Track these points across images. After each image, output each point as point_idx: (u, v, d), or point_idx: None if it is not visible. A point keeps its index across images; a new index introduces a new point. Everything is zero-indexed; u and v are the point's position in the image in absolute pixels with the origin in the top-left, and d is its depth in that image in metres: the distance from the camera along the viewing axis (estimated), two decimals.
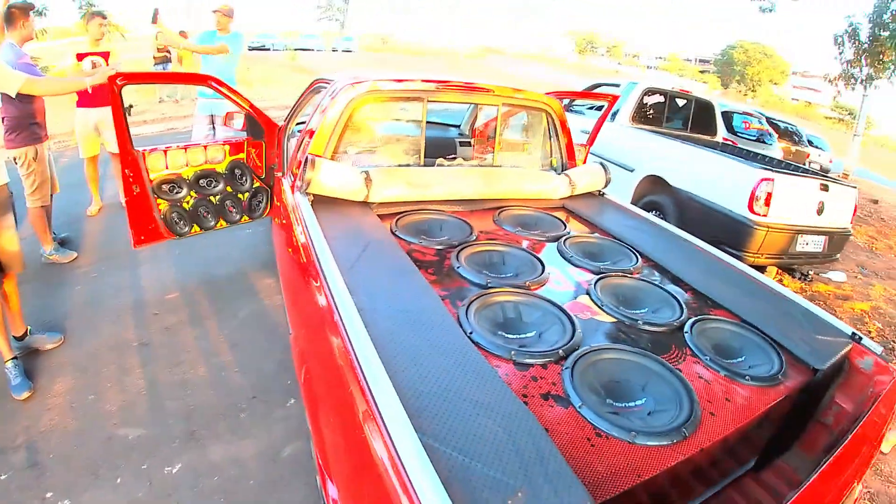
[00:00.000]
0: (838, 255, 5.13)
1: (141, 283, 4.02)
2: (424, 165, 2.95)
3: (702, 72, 63.47)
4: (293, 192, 2.61)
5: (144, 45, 15.59)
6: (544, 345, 1.63)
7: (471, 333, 1.58)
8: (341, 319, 1.47)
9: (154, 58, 13.15)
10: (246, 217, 3.82)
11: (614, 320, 1.84)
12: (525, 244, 2.42)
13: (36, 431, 2.57)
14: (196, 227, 3.59)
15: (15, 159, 3.93)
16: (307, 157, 2.45)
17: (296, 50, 29.40)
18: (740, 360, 1.78)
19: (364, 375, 1.25)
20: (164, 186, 3.40)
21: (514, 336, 1.70)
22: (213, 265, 4.37)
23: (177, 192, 3.47)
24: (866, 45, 15.20)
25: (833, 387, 1.85)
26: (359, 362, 1.29)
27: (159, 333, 3.38)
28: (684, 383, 1.48)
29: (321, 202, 2.47)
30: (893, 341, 4.90)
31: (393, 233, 2.31)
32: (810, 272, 5.76)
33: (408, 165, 2.92)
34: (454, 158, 3.15)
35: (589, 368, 1.51)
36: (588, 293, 1.99)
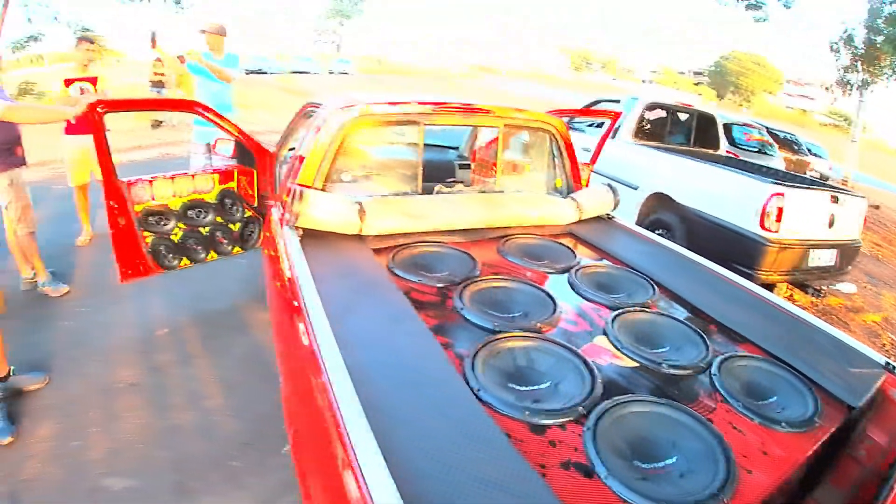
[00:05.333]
0: (849, 268, 5.01)
1: (131, 318, 3.86)
2: (422, 193, 2.80)
3: (696, 84, 63.82)
4: (282, 225, 2.45)
5: (141, 69, 15.60)
6: (561, 399, 1.45)
7: (478, 391, 1.41)
8: (329, 382, 1.30)
9: (150, 81, 13.11)
10: (238, 248, 3.69)
11: (636, 364, 1.67)
12: (533, 277, 2.24)
13: (18, 479, 2.41)
14: (186, 261, 3.46)
15: None
16: (295, 189, 2.30)
17: (291, 73, 29.35)
18: (771, 401, 1.63)
19: (356, 456, 1.08)
20: (150, 218, 3.27)
21: (527, 389, 1.52)
22: (205, 299, 4.21)
23: (164, 224, 3.34)
24: (862, 50, 15.27)
25: (865, 420, 1.70)
26: (350, 439, 1.12)
27: (149, 374, 3.21)
28: (718, 438, 1.32)
29: (311, 236, 2.31)
30: None
31: (389, 269, 2.14)
32: (823, 287, 5.61)
33: (404, 194, 2.76)
34: (453, 184, 3.00)
35: (613, 426, 1.34)
36: (605, 333, 1.81)
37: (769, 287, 4.82)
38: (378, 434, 1.13)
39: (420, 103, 2.75)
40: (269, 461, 2.58)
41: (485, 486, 1.08)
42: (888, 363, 1.80)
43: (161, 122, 12.38)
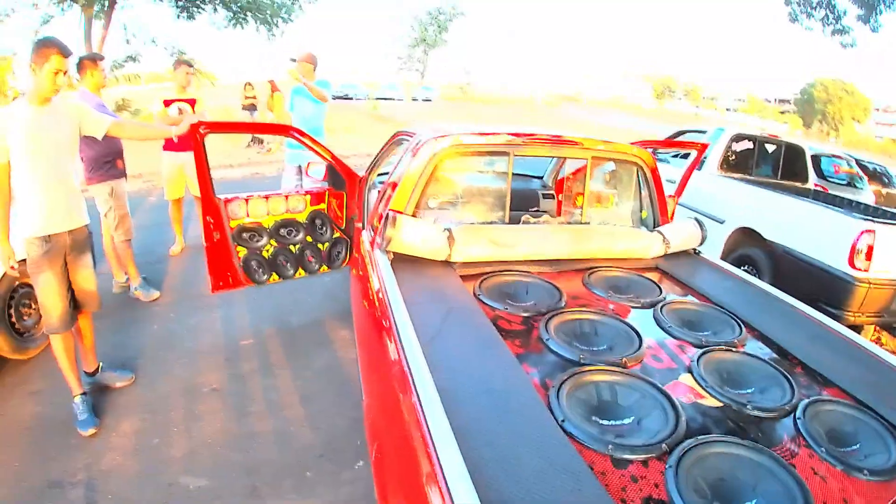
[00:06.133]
0: None
1: (217, 326, 4.05)
2: (509, 222, 2.82)
3: (782, 112, 61.55)
4: (373, 248, 2.53)
5: (231, 93, 16.42)
6: (644, 435, 1.45)
7: (563, 422, 1.42)
8: (420, 403, 1.33)
9: (242, 105, 13.83)
10: (325, 267, 3.81)
11: (720, 404, 1.63)
12: (618, 311, 2.23)
13: (97, 470, 2.57)
14: (275, 276, 3.60)
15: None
16: (388, 214, 2.37)
17: (377, 99, 30.15)
18: (854, 447, 1.58)
19: (444, 476, 1.11)
20: (244, 234, 3.43)
21: (610, 423, 1.52)
22: (289, 313, 4.36)
23: (257, 241, 3.49)
24: None
25: None
26: (438, 458, 1.15)
27: (231, 380, 3.36)
28: (800, 483, 1.29)
29: (401, 260, 2.38)
30: None
31: (476, 296, 2.17)
32: None
33: (492, 223, 2.80)
34: (539, 213, 3.00)
35: (695, 465, 1.33)
36: (690, 371, 1.79)
37: (856, 328, 4.60)
38: (465, 455, 1.15)
39: (510, 134, 2.79)
40: (342, 474, 2.64)
41: None
42: None
43: (261, 141, 13.02)
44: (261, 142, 13.05)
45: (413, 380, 1.43)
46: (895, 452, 1.51)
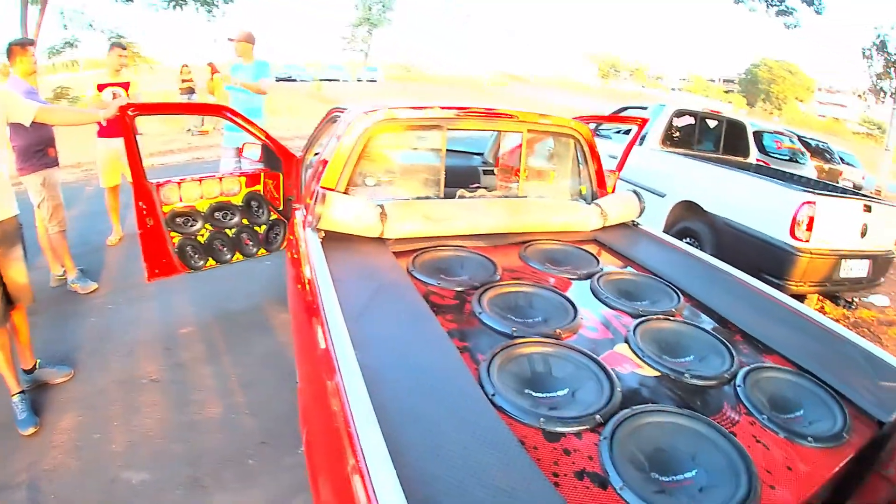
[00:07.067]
0: (882, 279, 4.89)
1: (156, 316, 3.94)
2: (445, 197, 2.77)
3: (726, 91, 63.04)
4: (304, 227, 2.45)
5: (171, 76, 15.91)
6: (578, 406, 1.41)
7: (493, 396, 1.38)
8: (342, 382, 1.28)
9: (180, 89, 13.36)
10: (263, 250, 3.73)
11: (658, 374, 1.61)
12: (554, 283, 2.20)
13: (39, 469, 2.48)
14: (211, 261, 3.50)
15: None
16: (318, 191, 2.30)
17: (321, 80, 29.61)
18: (798, 414, 1.57)
19: (364, 456, 1.06)
20: (177, 219, 3.32)
21: (544, 395, 1.49)
22: (229, 298, 4.26)
23: (191, 225, 3.39)
24: None
25: None
26: (359, 442, 1.11)
27: (171, 370, 3.26)
28: (740, 451, 1.27)
29: (333, 238, 2.31)
30: None
31: (409, 272, 2.13)
32: (855, 299, 5.50)
33: (427, 198, 2.74)
34: (476, 189, 2.97)
35: (631, 436, 1.30)
36: (627, 341, 1.77)
37: (800, 298, 4.78)
38: (388, 436, 1.11)
39: (443, 108, 2.74)
40: (284, 460, 2.59)
41: (494, 492, 1.05)
42: None
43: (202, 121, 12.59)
44: (202, 122, 12.67)
45: (336, 360, 1.38)
46: (840, 418, 1.51)
